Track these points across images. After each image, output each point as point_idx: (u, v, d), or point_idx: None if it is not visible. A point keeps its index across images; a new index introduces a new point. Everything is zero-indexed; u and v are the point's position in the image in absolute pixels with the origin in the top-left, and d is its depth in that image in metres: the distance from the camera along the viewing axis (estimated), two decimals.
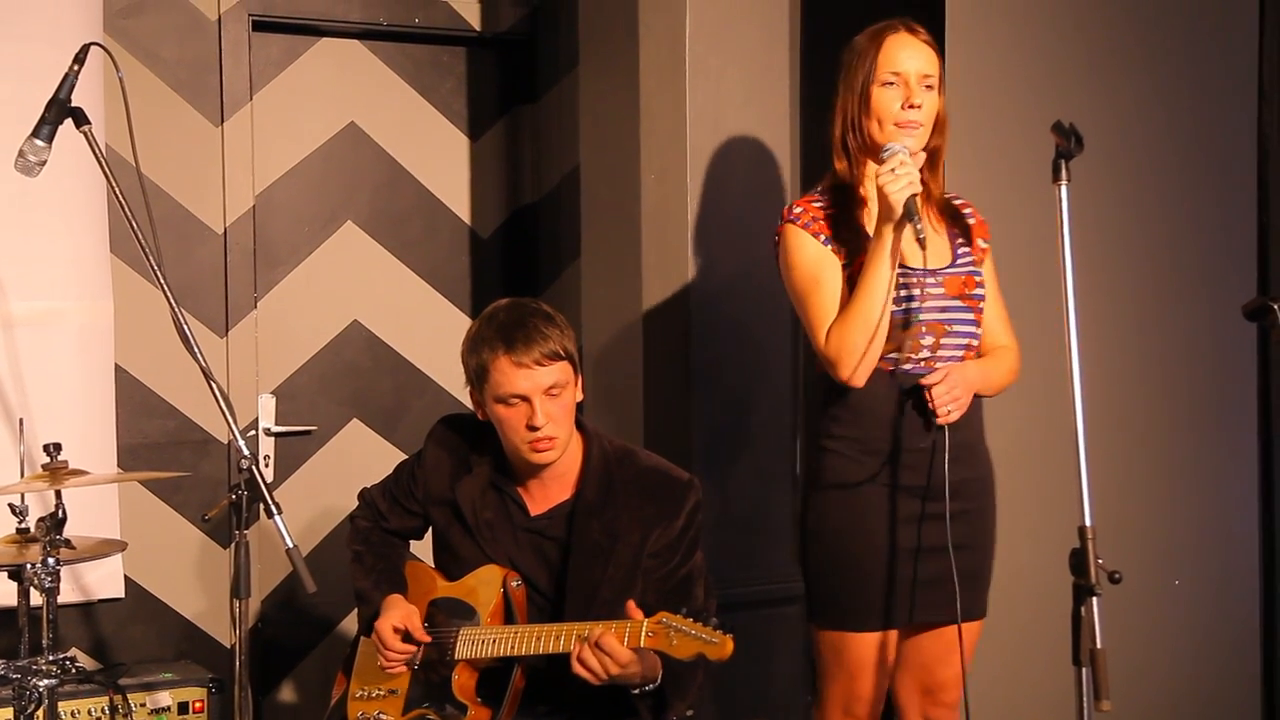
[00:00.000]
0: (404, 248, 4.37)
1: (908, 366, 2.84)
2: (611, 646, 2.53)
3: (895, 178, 2.69)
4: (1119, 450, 3.88)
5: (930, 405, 2.80)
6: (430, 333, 4.37)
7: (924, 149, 2.85)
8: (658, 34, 3.63)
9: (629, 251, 3.71)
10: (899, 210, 2.68)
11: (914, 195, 2.68)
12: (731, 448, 3.65)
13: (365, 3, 4.21)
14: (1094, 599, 2.18)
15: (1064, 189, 2.35)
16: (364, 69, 4.31)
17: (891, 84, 2.80)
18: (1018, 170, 3.54)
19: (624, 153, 3.72)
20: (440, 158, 4.43)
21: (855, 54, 2.85)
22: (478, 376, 2.78)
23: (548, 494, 2.85)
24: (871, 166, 2.84)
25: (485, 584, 2.83)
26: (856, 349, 2.74)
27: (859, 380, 2.78)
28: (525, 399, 2.72)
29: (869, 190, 2.86)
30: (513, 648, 2.72)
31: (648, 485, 2.83)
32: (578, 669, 2.57)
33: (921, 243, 2.67)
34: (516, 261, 4.52)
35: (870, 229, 2.83)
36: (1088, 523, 2.22)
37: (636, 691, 2.66)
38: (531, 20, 4.44)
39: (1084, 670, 2.17)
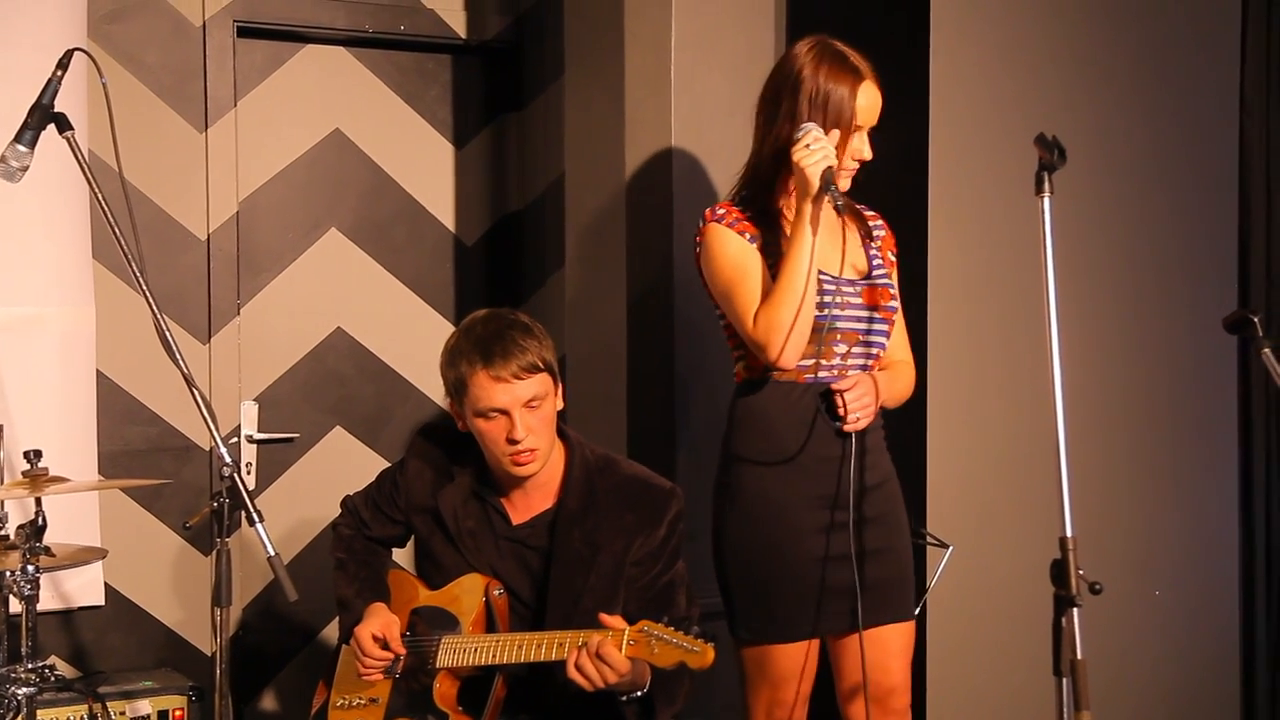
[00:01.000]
0: (388, 255, 4.37)
1: (821, 374, 2.85)
2: (611, 656, 2.52)
3: (810, 152, 2.74)
4: (1100, 461, 3.89)
5: (841, 412, 2.81)
6: (414, 340, 4.37)
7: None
8: (643, 43, 3.64)
9: (613, 259, 3.71)
10: (816, 183, 2.72)
11: (830, 167, 2.73)
12: (714, 455, 3.65)
13: (350, 10, 4.21)
14: (1074, 609, 2.18)
15: (1047, 201, 2.36)
16: (349, 76, 4.31)
17: (858, 130, 2.84)
18: (1001, 181, 3.55)
19: (609, 161, 3.72)
20: (425, 165, 4.43)
21: (822, 81, 2.81)
22: (457, 390, 2.77)
23: (530, 503, 2.85)
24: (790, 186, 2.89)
25: (467, 593, 2.82)
26: (784, 325, 2.75)
27: (788, 360, 2.79)
28: (505, 413, 2.71)
29: (788, 205, 2.90)
30: (495, 656, 2.71)
31: (630, 494, 2.83)
32: (574, 675, 2.56)
33: (839, 210, 2.71)
34: (501, 269, 4.52)
35: (789, 229, 2.87)
36: (1068, 533, 2.23)
37: (624, 698, 2.66)
38: (517, 28, 4.45)
39: (1064, 681, 2.17)
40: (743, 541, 2.90)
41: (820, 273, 2.81)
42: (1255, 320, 2.80)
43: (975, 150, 3.70)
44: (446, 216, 4.46)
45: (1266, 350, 2.76)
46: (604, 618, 2.58)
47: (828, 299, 2.82)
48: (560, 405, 2.83)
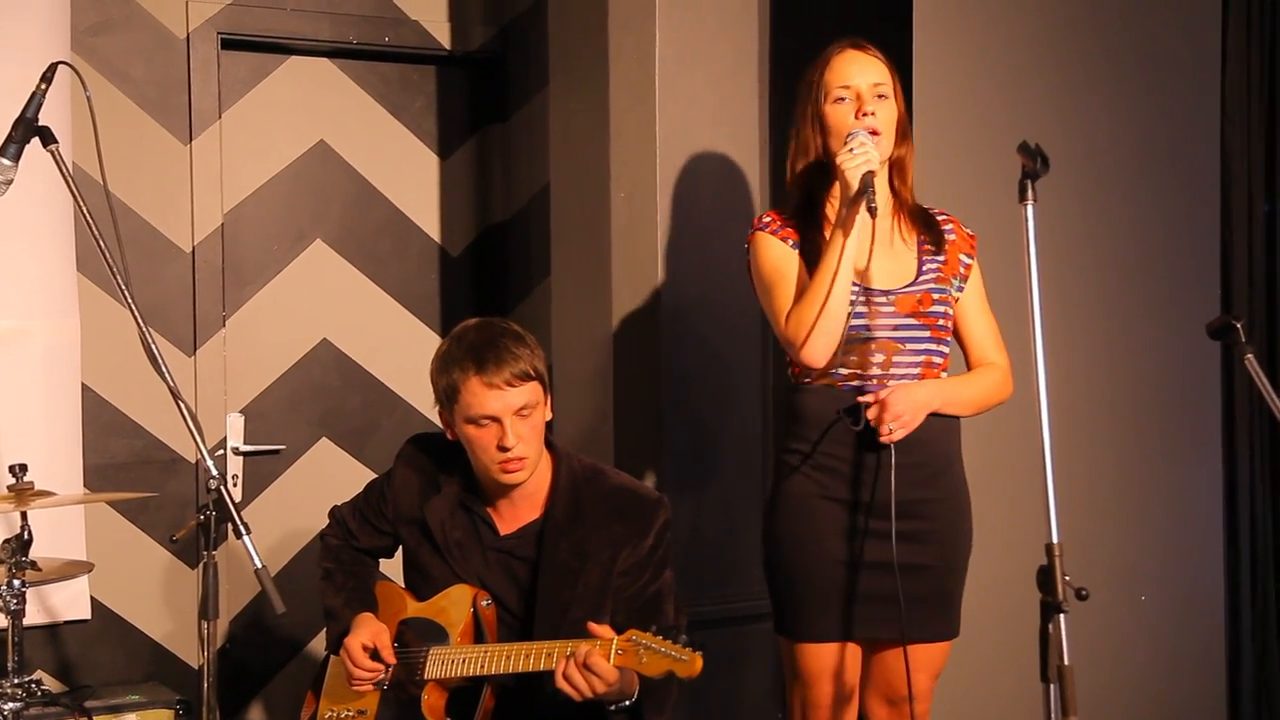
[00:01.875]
0: (373, 266, 4.37)
1: (856, 383, 2.87)
2: (599, 666, 2.52)
3: (852, 156, 2.77)
4: (1086, 468, 3.91)
5: (872, 423, 2.82)
6: (400, 351, 4.36)
7: (889, 158, 2.91)
8: (628, 54, 3.64)
9: (599, 270, 3.72)
10: (855, 186, 2.74)
11: (869, 172, 2.75)
12: (702, 465, 3.65)
13: (335, 21, 4.21)
14: (1061, 616, 2.19)
15: (1030, 209, 2.37)
16: (333, 87, 4.31)
17: (843, 99, 2.86)
18: (986, 188, 3.56)
19: (594, 171, 3.72)
20: (410, 176, 4.43)
21: (806, 81, 2.93)
22: (448, 397, 2.77)
23: (517, 514, 2.85)
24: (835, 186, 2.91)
25: (455, 604, 2.82)
26: (809, 323, 2.77)
27: (816, 359, 2.80)
28: (496, 420, 2.71)
29: (831, 210, 2.92)
30: (482, 667, 2.71)
31: (617, 504, 2.83)
32: (562, 684, 2.56)
33: (872, 212, 2.72)
34: (486, 280, 4.52)
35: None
36: (1055, 540, 2.23)
37: (613, 708, 2.66)
38: (501, 39, 4.45)
39: (1052, 687, 2.18)
40: (780, 539, 2.94)
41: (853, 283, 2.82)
42: (1238, 326, 2.82)
43: (959, 157, 3.71)
44: (432, 227, 4.46)
45: (1249, 356, 2.77)
46: (592, 627, 2.58)
47: (852, 309, 2.82)
48: (549, 417, 2.83)
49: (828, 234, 2.90)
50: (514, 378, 2.70)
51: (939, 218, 3.02)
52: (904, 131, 2.93)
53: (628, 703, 2.65)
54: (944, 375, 2.95)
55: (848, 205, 2.77)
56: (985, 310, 3.04)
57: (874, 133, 2.83)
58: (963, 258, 3.00)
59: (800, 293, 2.84)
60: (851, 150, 2.77)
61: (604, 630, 2.57)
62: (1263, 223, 4.46)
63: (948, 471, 2.96)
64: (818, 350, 2.80)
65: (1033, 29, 3.90)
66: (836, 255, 2.77)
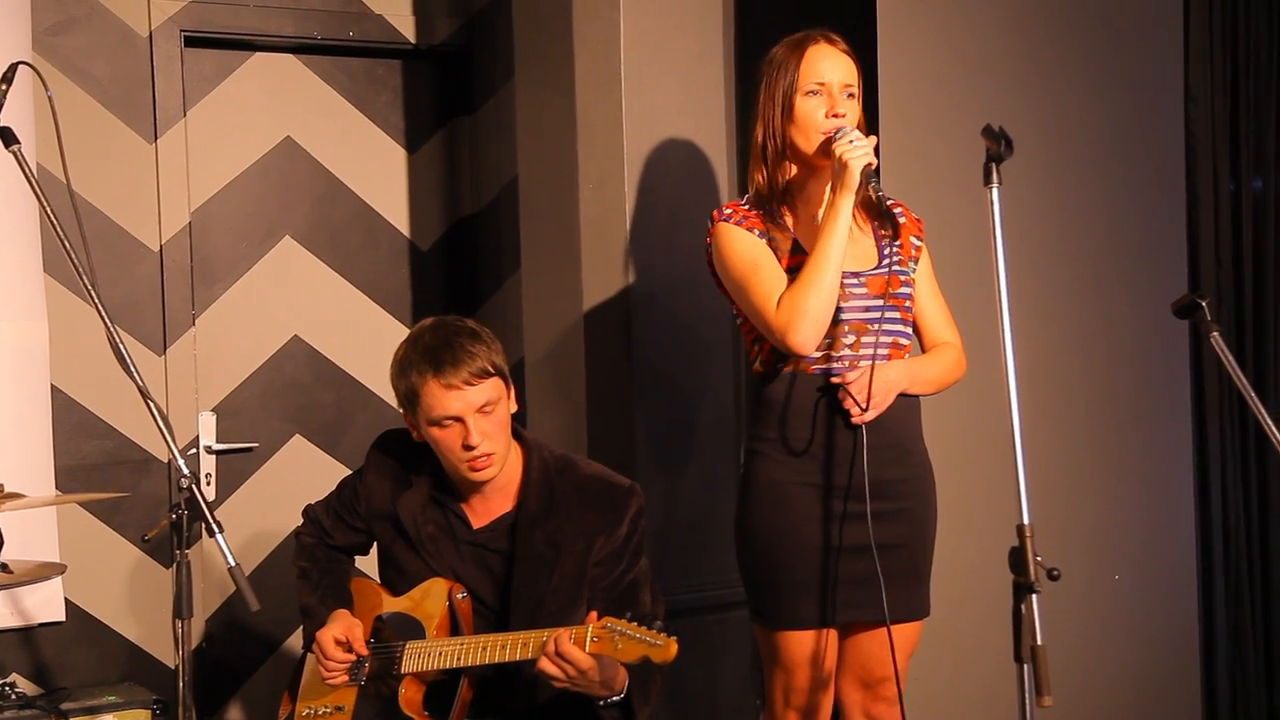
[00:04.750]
0: (343, 261, 4.36)
1: (831, 365, 2.88)
2: (571, 653, 2.53)
3: (853, 147, 2.78)
4: (1057, 449, 3.93)
5: (845, 404, 2.84)
6: (371, 346, 4.35)
7: None
8: (593, 45, 3.64)
9: (569, 261, 3.72)
10: (858, 176, 2.77)
11: (869, 163, 2.79)
12: (675, 452, 3.66)
13: (299, 17, 4.19)
14: (1034, 596, 2.20)
15: (995, 191, 2.38)
16: (299, 83, 4.29)
17: (815, 93, 2.89)
18: (952, 172, 3.58)
19: (562, 163, 3.72)
20: (378, 170, 4.41)
21: (776, 65, 2.94)
22: (409, 400, 2.78)
23: (489, 507, 2.85)
24: (794, 170, 2.95)
25: (431, 597, 2.82)
26: (808, 312, 2.78)
27: (808, 347, 2.81)
28: (459, 420, 2.71)
29: (792, 193, 2.96)
30: (459, 659, 2.71)
31: (589, 494, 2.83)
32: (542, 675, 2.58)
33: (880, 200, 2.79)
34: (457, 273, 4.52)
35: (794, 229, 2.94)
36: (1025, 521, 2.25)
37: (602, 703, 2.66)
38: (467, 32, 4.44)
39: (1025, 667, 2.19)
40: (755, 528, 2.95)
41: None
42: (1204, 305, 2.83)
43: (925, 143, 3.73)
44: (401, 221, 4.46)
45: (1215, 334, 2.79)
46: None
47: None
48: (514, 408, 2.83)
49: (789, 222, 2.93)
50: (472, 376, 2.70)
51: (887, 202, 3.04)
52: (862, 127, 2.95)
53: (615, 699, 2.66)
54: (907, 356, 2.98)
55: (842, 193, 2.78)
56: (936, 291, 3.09)
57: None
58: (914, 240, 3.04)
59: (795, 278, 2.83)
60: (852, 142, 2.79)
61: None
62: (1228, 202, 4.49)
63: (915, 450, 3.00)
64: (810, 337, 2.81)
65: (997, 13, 3.92)
66: (835, 244, 2.78)
